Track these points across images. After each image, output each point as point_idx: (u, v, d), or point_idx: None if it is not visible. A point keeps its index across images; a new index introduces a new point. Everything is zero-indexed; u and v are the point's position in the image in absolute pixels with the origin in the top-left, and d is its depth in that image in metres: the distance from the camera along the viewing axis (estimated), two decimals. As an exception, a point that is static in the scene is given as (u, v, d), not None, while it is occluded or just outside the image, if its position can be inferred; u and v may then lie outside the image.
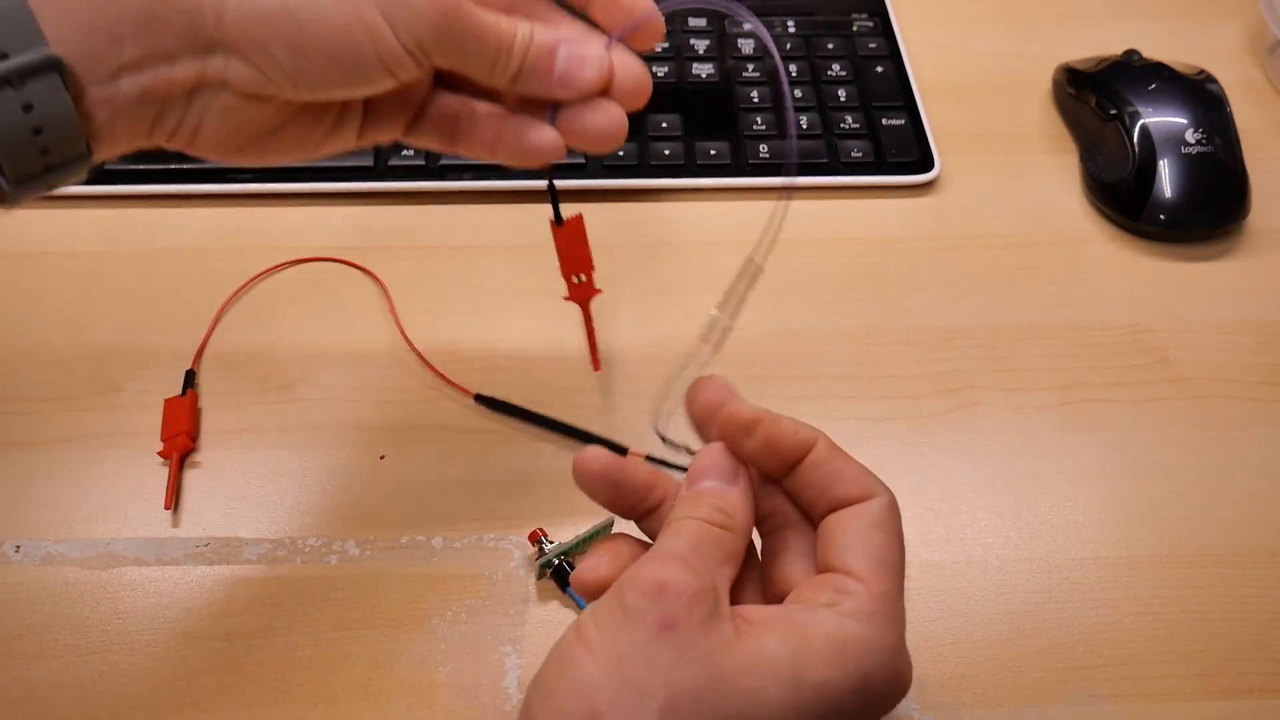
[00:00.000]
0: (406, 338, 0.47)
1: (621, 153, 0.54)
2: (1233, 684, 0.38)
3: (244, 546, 0.41)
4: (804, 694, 0.27)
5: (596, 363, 0.41)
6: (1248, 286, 0.50)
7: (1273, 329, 0.49)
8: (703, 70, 0.58)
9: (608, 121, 0.33)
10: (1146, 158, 0.52)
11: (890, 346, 0.48)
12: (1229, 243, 0.52)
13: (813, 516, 0.31)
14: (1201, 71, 0.55)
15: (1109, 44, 0.58)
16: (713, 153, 0.54)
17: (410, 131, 0.35)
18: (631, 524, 0.41)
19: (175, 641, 0.38)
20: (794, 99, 0.57)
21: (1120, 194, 0.52)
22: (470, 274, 0.50)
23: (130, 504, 0.42)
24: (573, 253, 0.37)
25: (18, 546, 0.41)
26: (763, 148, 0.54)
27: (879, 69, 0.59)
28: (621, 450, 0.44)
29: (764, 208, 0.53)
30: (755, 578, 0.32)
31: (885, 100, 0.57)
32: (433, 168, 0.53)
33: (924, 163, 0.54)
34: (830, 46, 0.60)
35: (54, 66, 0.27)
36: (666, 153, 0.54)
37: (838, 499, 0.30)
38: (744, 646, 0.27)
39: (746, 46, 0.60)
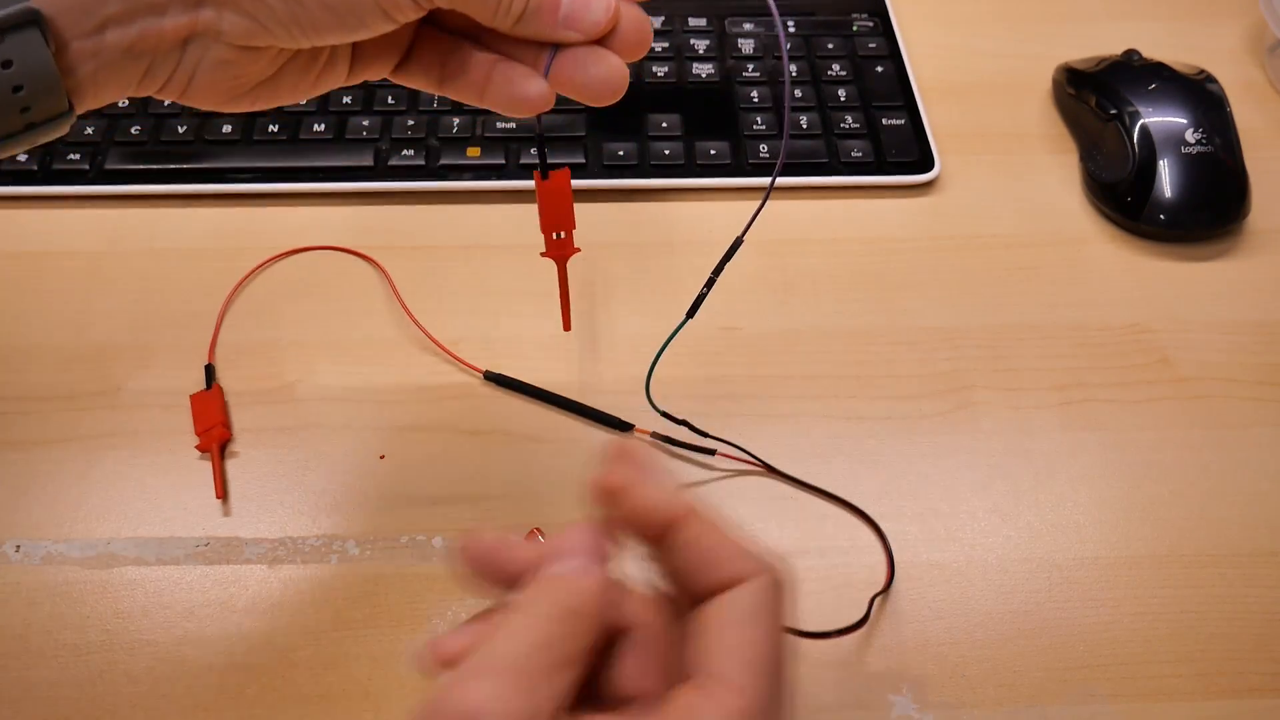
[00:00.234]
0: (413, 317, 0.47)
1: (621, 153, 0.54)
2: (1233, 684, 0.38)
3: (244, 546, 0.41)
4: None
5: (567, 322, 0.40)
6: (1248, 286, 0.50)
7: (1273, 329, 0.49)
8: (703, 70, 0.58)
9: (609, 72, 0.31)
10: (1146, 158, 0.52)
11: (890, 346, 0.48)
12: (1229, 243, 0.52)
13: (683, 605, 0.26)
14: (1201, 71, 0.55)
15: (1109, 44, 0.58)
16: (713, 153, 0.54)
17: (399, 70, 0.34)
18: (631, 524, 0.42)
19: (175, 641, 0.38)
20: (794, 99, 0.57)
21: (1120, 194, 0.52)
22: (470, 273, 0.50)
23: (130, 504, 0.42)
24: (554, 207, 0.37)
25: (18, 546, 0.41)
26: (763, 148, 0.54)
27: (879, 69, 0.59)
28: (627, 427, 0.44)
29: (765, 208, 0.53)
30: (615, 669, 0.26)
31: (885, 100, 0.57)
32: (433, 168, 0.53)
33: (924, 163, 0.54)
34: (830, 46, 0.60)
35: (34, 21, 0.26)
36: (666, 153, 0.54)
37: (708, 584, 0.25)
38: None
39: (746, 46, 0.60)
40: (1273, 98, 0.59)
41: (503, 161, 0.53)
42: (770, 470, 0.43)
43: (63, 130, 0.29)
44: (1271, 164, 0.55)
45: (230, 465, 0.43)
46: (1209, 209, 0.52)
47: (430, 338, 0.47)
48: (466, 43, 0.33)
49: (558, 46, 0.31)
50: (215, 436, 0.43)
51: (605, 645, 0.25)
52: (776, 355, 0.47)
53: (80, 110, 0.29)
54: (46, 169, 0.52)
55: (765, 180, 0.53)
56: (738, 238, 0.37)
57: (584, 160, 0.54)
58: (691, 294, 0.38)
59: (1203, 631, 0.39)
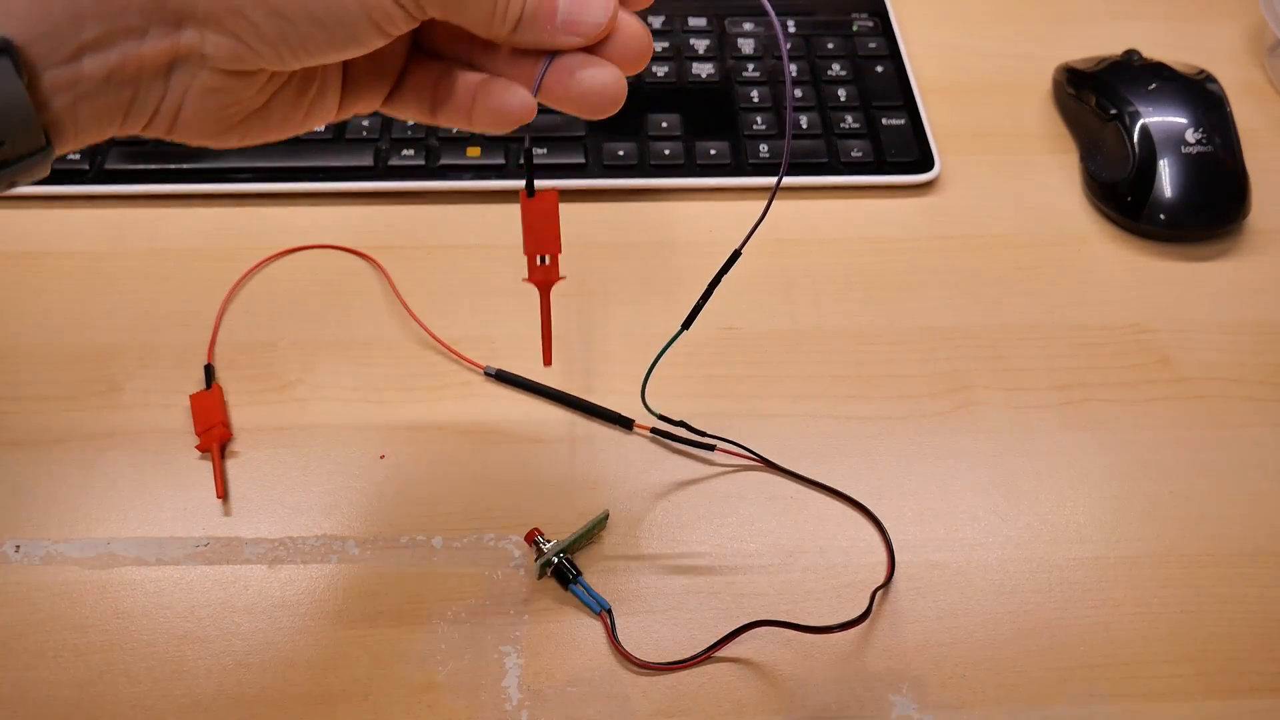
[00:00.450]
0: (414, 315, 0.47)
1: (621, 153, 0.54)
2: (1233, 684, 0.38)
3: (244, 546, 0.41)
4: None
5: (548, 356, 0.39)
6: (1248, 286, 0.50)
7: (1273, 329, 0.49)
8: (703, 70, 0.58)
9: (606, 81, 0.30)
10: (1146, 157, 0.52)
11: (890, 346, 0.48)
12: (1229, 243, 0.52)
13: None
14: (1201, 71, 0.55)
15: (1109, 44, 0.58)
16: (713, 153, 0.54)
17: (390, 101, 0.33)
18: (628, 514, 0.42)
19: (175, 641, 0.38)
20: (795, 99, 0.57)
21: (1120, 194, 0.52)
22: (470, 273, 0.50)
23: (130, 504, 0.42)
24: (540, 230, 0.35)
25: (18, 546, 0.41)
26: (763, 148, 0.54)
27: (879, 69, 0.59)
28: (628, 423, 0.44)
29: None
30: None
31: (885, 100, 0.57)
32: (433, 167, 0.53)
33: (924, 163, 0.54)
34: (830, 46, 0.60)
35: (3, 49, 0.25)
36: (666, 153, 0.54)
37: None
38: None
39: (746, 46, 0.60)
40: (1273, 98, 0.59)
41: (503, 161, 0.53)
42: (770, 465, 0.43)
43: (42, 171, 0.27)
44: (1271, 164, 0.55)
45: (230, 465, 0.43)
46: (1209, 209, 0.52)
47: (431, 335, 0.47)
48: (457, 67, 0.32)
49: (553, 57, 0.30)
50: (215, 436, 0.43)
51: None
52: (776, 355, 0.47)
53: (61, 149, 0.28)
54: (46, 169, 0.52)
55: (765, 180, 0.53)
56: (736, 250, 0.36)
57: (584, 160, 0.54)
58: (692, 294, 0.38)
59: (1203, 631, 0.39)
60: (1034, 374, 0.47)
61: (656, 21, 0.61)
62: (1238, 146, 0.53)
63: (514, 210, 0.52)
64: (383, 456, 0.44)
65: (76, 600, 0.39)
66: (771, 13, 0.31)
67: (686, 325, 0.38)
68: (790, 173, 0.54)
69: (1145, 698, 0.38)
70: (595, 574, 0.40)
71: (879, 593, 0.39)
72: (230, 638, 0.38)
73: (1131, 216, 0.52)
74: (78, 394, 0.45)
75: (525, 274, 0.36)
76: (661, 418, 0.43)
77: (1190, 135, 0.52)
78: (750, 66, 0.58)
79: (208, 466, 0.43)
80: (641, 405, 0.41)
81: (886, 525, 0.42)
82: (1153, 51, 0.57)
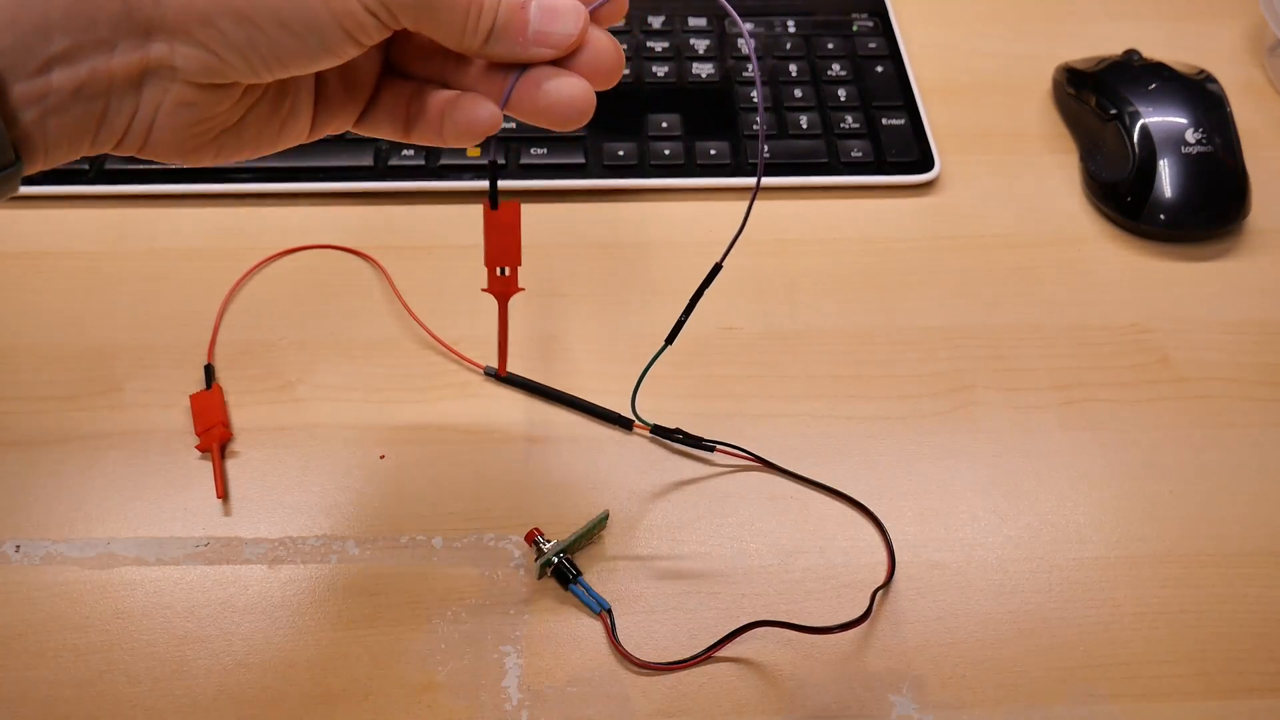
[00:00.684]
0: (413, 314, 0.47)
1: (621, 153, 0.54)
2: (1233, 684, 0.38)
3: (244, 546, 0.41)
4: None
5: (503, 364, 0.39)
6: (1248, 286, 0.50)
7: (1273, 329, 0.49)
8: (703, 70, 0.58)
9: (573, 94, 0.30)
10: (1146, 158, 0.52)
11: (890, 346, 0.48)
12: (1229, 243, 0.52)
13: None
14: (1201, 71, 0.55)
15: (1109, 44, 0.58)
16: (713, 153, 0.54)
17: (362, 121, 0.33)
18: (628, 514, 0.42)
19: (175, 641, 0.38)
20: (795, 98, 0.57)
21: (1120, 194, 0.52)
22: (470, 273, 0.50)
23: (130, 504, 0.42)
24: (502, 241, 0.35)
25: (18, 546, 0.41)
26: (763, 148, 0.54)
27: (879, 69, 0.59)
28: (627, 423, 0.44)
29: (764, 207, 0.53)
30: None
31: (885, 100, 0.57)
32: (433, 167, 0.53)
33: (924, 163, 0.54)
34: (830, 46, 0.60)
35: None
36: (666, 153, 0.54)
37: None
38: None
39: (746, 47, 0.60)
40: (1273, 98, 0.59)
41: (503, 162, 0.53)
42: (768, 466, 0.43)
43: (11, 188, 0.27)
44: (1271, 164, 0.55)
45: (230, 465, 0.43)
46: (1209, 209, 0.52)
47: (431, 335, 0.47)
48: (429, 86, 0.32)
49: (522, 70, 0.30)
50: (216, 436, 0.43)
51: None
52: (776, 355, 0.47)
53: (31, 167, 0.27)
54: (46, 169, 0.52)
55: (766, 180, 0.53)
56: (717, 264, 0.36)
57: (584, 160, 0.54)
58: (692, 293, 0.38)
59: (1203, 631, 0.39)
60: (1034, 374, 0.47)
61: (656, 21, 0.61)
62: (1238, 146, 0.53)
63: (514, 210, 0.53)
64: (383, 456, 0.44)
65: (76, 600, 0.39)
66: (733, 13, 0.32)
67: (670, 340, 0.38)
68: (790, 173, 0.54)
69: (1145, 698, 0.38)
70: (595, 574, 0.40)
71: (879, 593, 0.39)
72: (230, 638, 0.38)
73: (1131, 216, 0.52)
74: (78, 394, 0.45)
75: (485, 284, 0.36)
76: (656, 427, 0.43)
77: (1190, 135, 0.52)
78: (750, 67, 0.58)
79: (208, 466, 0.43)
80: (643, 399, 0.41)
81: (886, 525, 0.42)
82: (1153, 51, 0.57)
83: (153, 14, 0.27)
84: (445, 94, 0.32)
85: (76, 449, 0.43)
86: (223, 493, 0.42)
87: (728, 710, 0.37)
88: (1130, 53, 0.56)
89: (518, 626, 0.39)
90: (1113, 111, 0.54)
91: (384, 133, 0.34)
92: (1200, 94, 0.54)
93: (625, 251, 0.51)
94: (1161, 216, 0.51)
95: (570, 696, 0.37)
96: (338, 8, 0.27)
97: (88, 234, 0.51)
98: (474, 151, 0.53)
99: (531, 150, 0.54)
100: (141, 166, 0.52)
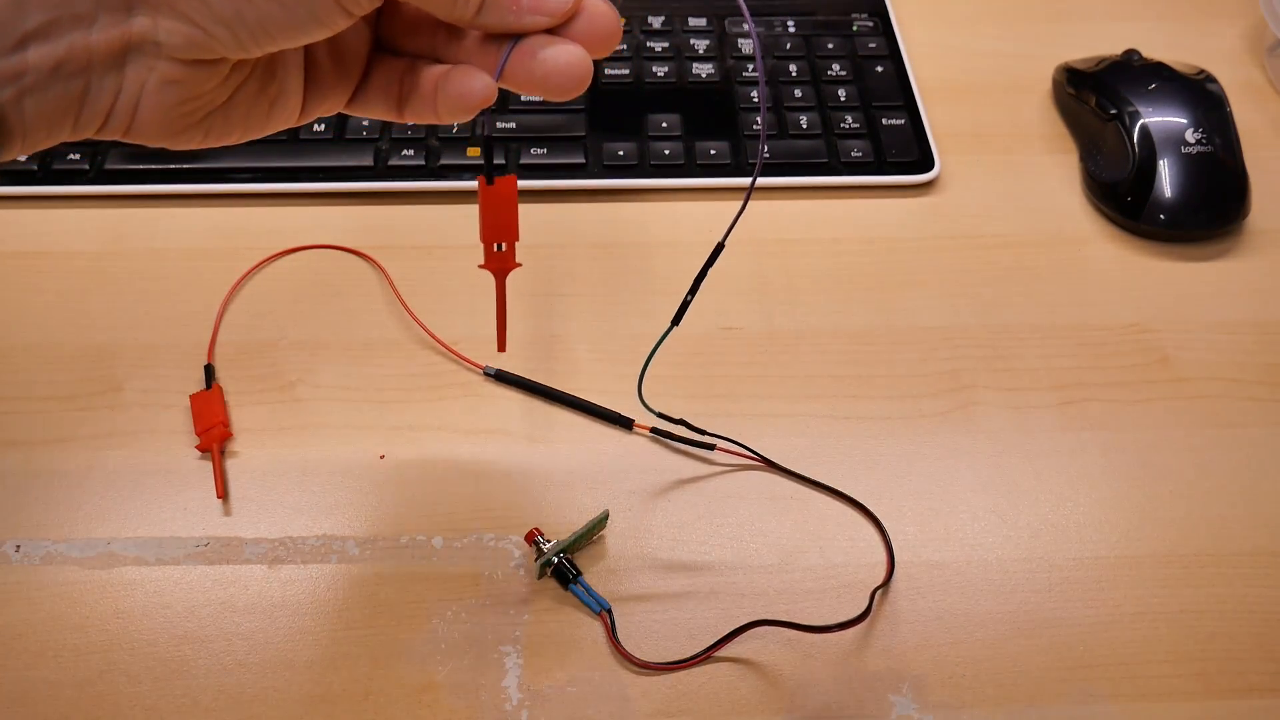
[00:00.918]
0: (413, 314, 0.47)
1: (621, 153, 0.54)
2: (1233, 684, 0.38)
3: (244, 546, 0.41)
4: None
5: (502, 342, 0.38)
6: (1248, 286, 0.50)
7: (1273, 329, 0.49)
8: (703, 70, 0.58)
9: (570, 61, 0.29)
10: (1146, 158, 0.52)
11: (890, 346, 0.48)
12: (1229, 243, 0.52)
13: None
14: (1201, 71, 0.55)
15: (1109, 44, 0.58)
16: (713, 153, 0.54)
17: (355, 101, 0.33)
18: (628, 514, 0.42)
19: (175, 641, 0.38)
20: (795, 98, 0.57)
21: (1120, 194, 0.52)
22: (470, 274, 0.50)
23: (130, 504, 0.42)
24: (498, 217, 0.34)
25: (18, 546, 0.41)
26: (764, 147, 0.54)
27: (879, 69, 0.59)
28: (628, 422, 0.44)
29: (764, 207, 0.53)
30: None
31: (885, 100, 0.57)
32: (433, 167, 0.53)
33: (924, 163, 0.54)
34: (830, 46, 0.60)
35: None
36: (666, 153, 0.54)
37: None
38: None
39: (747, 46, 0.60)
40: (1273, 98, 0.59)
41: (503, 161, 0.53)
42: (769, 465, 0.43)
43: None
44: (1271, 164, 0.55)
45: (230, 465, 0.43)
46: (1209, 209, 0.52)
47: (431, 335, 0.47)
48: (421, 62, 0.32)
49: (516, 41, 0.29)
50: (216, 436, 0.43)
51: None
52: (776, 355, 0.47)
53: (8, 151, 0.26)
54: (46, 169, 0.52)
55: (765, 180, 0.53)
56: (719, 243, 0.36)
57: (584, 160, 0.54)
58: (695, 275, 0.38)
59: (1203, 631, 0.39)
60: (1034, 374, 0.47)
61: (656, 21, 0.61)
62: (1238, 146, 0.53)
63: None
64: (383, 456, 0.44)
65: (76, 600, 0.39)
66: (745, 12, 0.31)
67: (676, 321, 0.38)
68: (790, 173, 0.54)
69: (1145, 698, 0.38)
70: (595, 574, 0.40)
71: (878, 592, 0.39)
72: (230, 638, 0.38)
73: (1131, 216, 0.52)
74: (78, 394, 0.45)
75: (482, 260, 0.36)
76: (660, 415, 0.43)
77: (1190, 135, 0.52)
78: (750, 66, 0.58)
79: (208, 466, 0.43)
80: (640, 403, 0.41)
81: (886, 525, 0.42)
82: (1153, 51, 0.57)
83: None
84: (438, 68, 0.31)
85: (76, 449, 0.43)
86: (223, 492, 0.42)
87: (727, 711, 0.37)
88: (1130, 53, 0.56)
89: (518, 626, 0.39)
90: (1113, 111, 0.54)
91: (377, 112, 0.33)
92: (1200, 94, 0.54)
93: (625, 251, 0.51)
94: (1161, 216, 0.51)
95: (570, 696, 0.37)
96: None
97: (88, 234, 0.51)
98: (474, 151, 0.53)
99: (531, 150, 0.54)
100: (142, 166, 0.53)
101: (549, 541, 0.40)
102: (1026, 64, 0.61)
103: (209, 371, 0.46)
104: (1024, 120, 0.58)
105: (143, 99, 0.28)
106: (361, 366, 0.46)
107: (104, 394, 0.45)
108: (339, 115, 0.54)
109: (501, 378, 0.46)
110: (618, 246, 0.51)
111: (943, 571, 0.41)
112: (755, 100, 0.57)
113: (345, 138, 0.54)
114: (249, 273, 0.50)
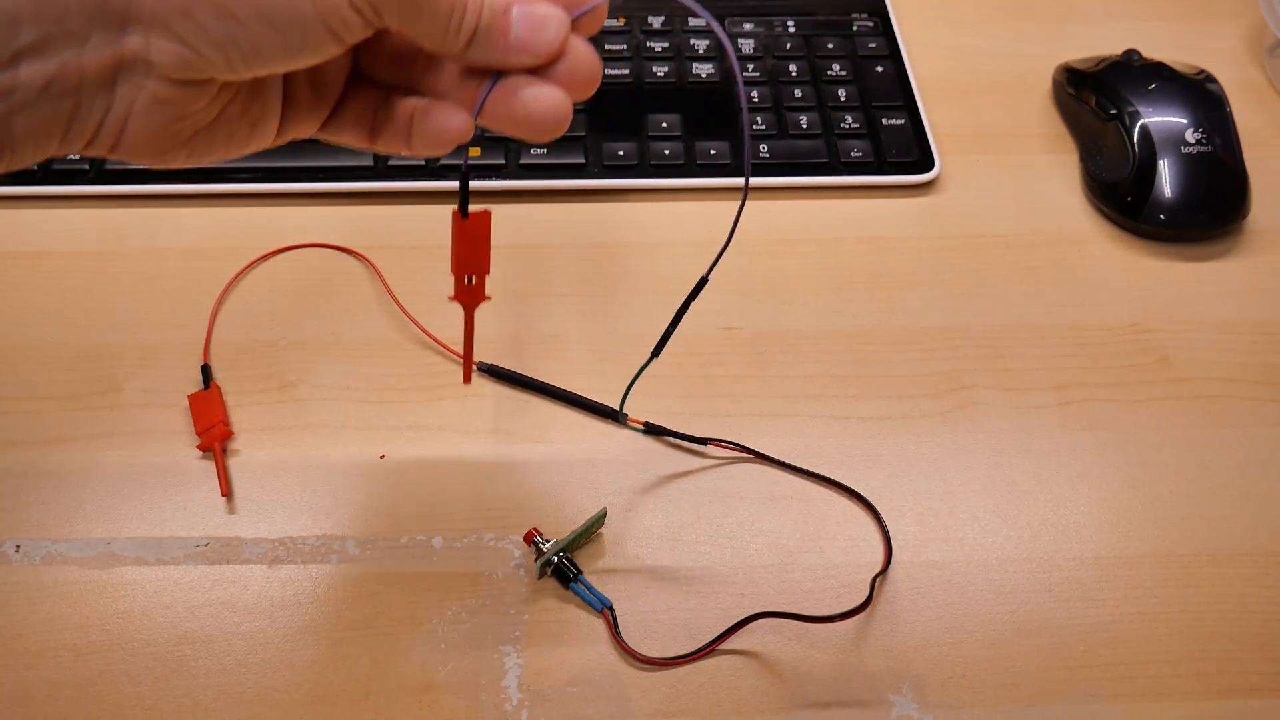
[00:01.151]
0: (408, 314, 0.47)
1: (621, 153, 0.54)
2: (1233, 684, 0.38)
3: (244, 546, 0.41)
4: None
5: (468, 374, 0.38)
6: (1248, 286, 0.50)
7: (1273, 329, 0.49)
8: (703, 70, 0.58)
9: (552, 103, 0.29)
10: (1146, 157, 0.52)
11: (890, 346, 0.48)
12: (1229, 243, 0.52)
13: None
14: (1201, 71, 0.55)
15: (1109, 44, 0.58)
16: (713, 153, 0.54)
17: (327, 126, 0.33)
18: (628, 512, 0.42)
19: (175, 641, 0.38)
20: (795, 98, 0.57)
21: (1120, 194, 0.52)
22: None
23: (130, 504, 0.42)
24: (471, 251, 0.34)
25: (18, 546, 0.41)
26: (763, 147, 0.54)
27: (879, 69, 0.59)
28: (623, 418, 0.44)
29: (764, 207, 0.53)
30: None
31: (885, 100, 0.57)
32: (432, 168, 0.53)
33: (924, 163, 0.54)
34: (830, 46, 0.60)
35: None
36: (666, 153, 0.54)
37: None
38: None
39: (746, 46, 0.60)
40: (1273, 98, 0.59)
41: (502, 162, 0.53)
42: (762, 458, 0.43)
43: None
44: (1271, 164, 0.55)
45: (230, 465, 0.43)
46: (1209, 209, 0.52)
47: (429, 335, 0.47)
48: (396, 93, 0.32)
49: (497, 78, 0.30)
50: (217, 435, 0.43)
51: None
52: (776, 355, 0.47)
53: None
54: (46, 168, 0.52)
55: (765, 180, 0.53)
56: (703, 277, 0.36)
57: (584, 160, 0.54)
58: (678, 307, 0.38)
59: (1203, 631, 0.39)
60: (1034, 374, 0.47)
61: (656, 21, 0.61)
62: (1238, 146, 0.53)
63: (512, 211, 0.53)
64: (383, 456, 0.44)
65: (76, 600, 0.39)
66: (708, 17, 0.31)
67: (656, 353, 0.39)
68: (790, 173, 0.54)
69: (1145, 698, 0.38)
70: (594, 572, 0.40)
71: (878, 579, 0.39)
72: (230, 638, 0.38)
73: (1131, 216, 0.52)
74: (78, 394, 0.45)
75: (452, 292, 0.36)
76: (648, 425, 0.43)
77: (1190, 135, 0.52)
78: (750, 66, 0.58)
79: (208, 466, 0.43)
80: (640, 396, 0.41)
81: (884, 515, 0.42)
82: (1153, 51, 0.57)
83: (129, 5, 0.26)
84: (414, 101, 0.31)
85: (76, 449, 0.43)
86: (227, 490, 0.42)
87: (728, 710, 0.37)
88: (1130, 53, 0.56)
89: (518, 626, 0.39)
90: (1113, 111, 0.54)
91: (348, 139, 0.33)
92: (1200, 94, 0.54)
93: (625, 251, 0.51)
94: (1161, 216, 0.51)
95: (570, 696, 0.37)
96: (323, 4, 0.27)
97: (88, 234, 0.51)
98: (474, 151, 0.53)
99: (531, 150, 0.54)
100: (142, 166, 0.52)
101: (548, 541, 0.40)
102: (1026, 64, 0.61)
103: (206, 371, 0.46)
104: (1024, 120, 0.58)
105: (131, 117, 0.28)
106: (361, 366, 0.46)
107: (104, 394, 0.45)
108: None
109: (495, 374, 0.46)
110: (617, 246, 0.51)
111: (943, 571, 0.41)
112: (755, 100, 0.57)
113: (345, 138, 0.54)
114: (242, 272, 0.50)
